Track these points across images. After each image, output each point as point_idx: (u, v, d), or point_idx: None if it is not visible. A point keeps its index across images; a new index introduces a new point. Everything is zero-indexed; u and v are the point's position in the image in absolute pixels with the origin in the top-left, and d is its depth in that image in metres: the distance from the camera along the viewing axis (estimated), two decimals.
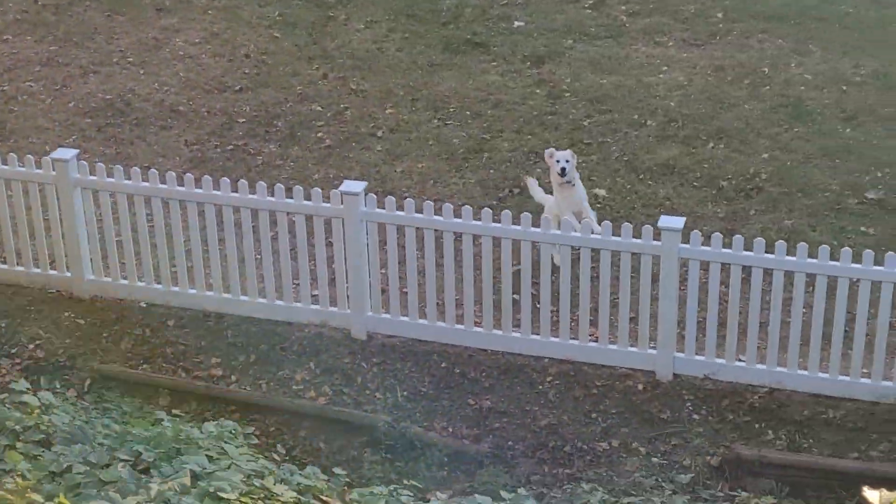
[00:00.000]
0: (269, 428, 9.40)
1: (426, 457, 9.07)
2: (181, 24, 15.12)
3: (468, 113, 13.11)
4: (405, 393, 9.58)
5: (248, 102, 13.39)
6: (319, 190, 9.99)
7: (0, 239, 10.66)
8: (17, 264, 10.68)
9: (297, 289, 10.18)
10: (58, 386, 9.25)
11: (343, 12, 15.32)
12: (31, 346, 10.08)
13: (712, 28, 14.68)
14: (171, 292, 10.38)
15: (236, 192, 10.02)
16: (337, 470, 7.54)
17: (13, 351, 10.06)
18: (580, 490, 8.34)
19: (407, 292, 10.01)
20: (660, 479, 8.74)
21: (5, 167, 10.40)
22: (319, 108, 13.27)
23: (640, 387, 9.47)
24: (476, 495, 7.10)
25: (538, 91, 13.49)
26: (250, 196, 9.97)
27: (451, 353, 9.89)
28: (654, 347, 9.53)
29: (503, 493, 7.20)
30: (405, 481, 7.88)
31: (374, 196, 9.86)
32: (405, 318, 9.99)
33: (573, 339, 9.67)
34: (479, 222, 9.62)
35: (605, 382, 9.54)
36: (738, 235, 9.35)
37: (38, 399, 6.07)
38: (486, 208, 9.81)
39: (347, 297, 10.04)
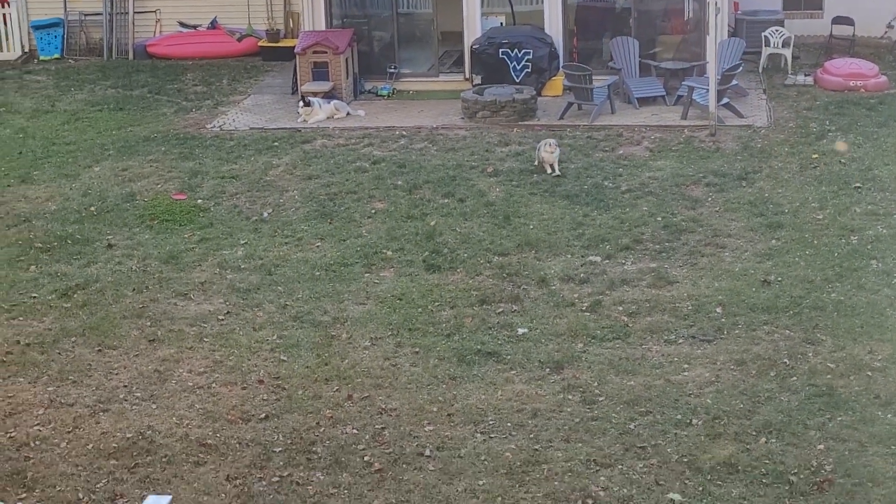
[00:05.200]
0: None
1: None
2: (179, 353, 14.64)
3: (509, 424, 12.85)
4: None
5: (277, 430, 12.88)
6: None
7: None
8: None
9: None
10: None
11: (343, 331, 15.07)
12: None
13: (714, 323, 14.89)
14: None
15: None
16: None
17: None
18: None
19: None
20: None
21: None
22: (355, 431, 12.84)
23: None
24: None
25: (570, 397, 13.36)
26: None
27: None
28: None
29: None
30: None
31: None
32: None
33: None
34: None
35: None
36: None
37: None
38: None
39: None
